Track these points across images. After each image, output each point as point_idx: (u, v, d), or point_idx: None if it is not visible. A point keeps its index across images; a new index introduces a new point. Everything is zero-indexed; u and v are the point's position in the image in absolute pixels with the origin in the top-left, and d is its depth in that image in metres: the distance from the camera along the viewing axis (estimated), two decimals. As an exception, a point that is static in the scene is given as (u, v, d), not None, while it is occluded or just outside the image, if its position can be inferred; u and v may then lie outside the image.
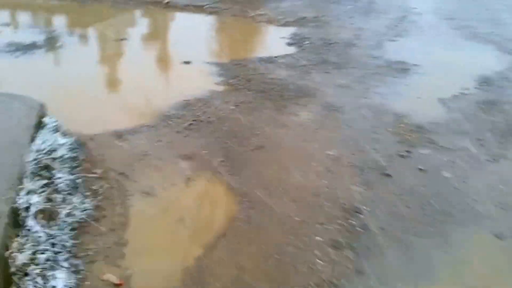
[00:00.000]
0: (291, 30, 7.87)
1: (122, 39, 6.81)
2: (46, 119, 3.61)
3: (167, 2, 9.04)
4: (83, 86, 5.13)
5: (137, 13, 8.79)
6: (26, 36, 6.66)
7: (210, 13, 8.85)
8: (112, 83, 5.33)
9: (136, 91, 5.11)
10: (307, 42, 7.16)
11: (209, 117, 4.50)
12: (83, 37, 6.93)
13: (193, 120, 4.42)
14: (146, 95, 4.98)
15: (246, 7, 9.16)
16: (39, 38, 6.59)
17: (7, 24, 7.12)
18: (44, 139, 3.28)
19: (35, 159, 2.98)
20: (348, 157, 3.86)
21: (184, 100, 4.85)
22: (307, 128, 4.38)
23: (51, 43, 6.38)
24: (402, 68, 6.12)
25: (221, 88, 5.29)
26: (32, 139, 3.26)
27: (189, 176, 3.53)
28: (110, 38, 6.85)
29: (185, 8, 9.03)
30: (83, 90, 5.04)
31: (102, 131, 4.12)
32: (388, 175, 3.64)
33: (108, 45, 6.60)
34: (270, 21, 8.40)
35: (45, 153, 3.10)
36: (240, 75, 5.69)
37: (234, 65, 6.09)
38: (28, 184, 2.72)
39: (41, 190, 2.80)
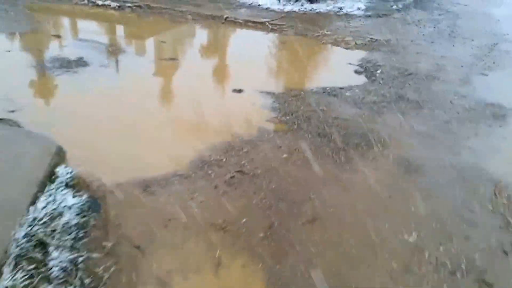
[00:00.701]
0: (360, 54, 6.94)
1: (172, 59, 6.24)
2: (59, 169, 2.99)
3: (226, 18, 8.44)
4: (117, 117, 4.54)
5: (194, 27, 8.26)
6: (75, 50, 6.27)
7: (271, 30, 8.13)
8: (150, 114, 4.68)
9: (176, 126, 4.44)
10: (379, 71, 6.19)
11: (255, 168, 3.71)
12: (132, 55, 6.43)
13: (236, 171, 3.65)
14: (186, 132, 4.31)
15: (311, 25, 8.34)
16: (87, 53, 6.16)
17: (58, 36, 6.78)
18: (49, 200, 2.65)
19: (27, 234, 2.34)
20: (433, 248, 2.89)
21: (228, 142, 4.11)
22: (376, 195, 3.45)
23: (96, 60, 5.92)
24: (497, 114, 4.99)
25: (273, 127, 4.50)
26: (35, 199, 2.64)
27: (220, 258, 2.75)
28: (160, 57, 6.30)
29: (244, 24, 8.39)
30: (115, 121, 4.45)
31: (128, 179, 3.46)
32: (488, 285, 2.64)
33: (157, 66, 6.04)
34: (336, 43, 7.52)
35: (43, 223, 2.46)
36: (297, 110, 4.87)
37: (292, 96, 5.27)
38: (6, 278, 2.07)
39: (23, 284, 2.13)
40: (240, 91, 5.35)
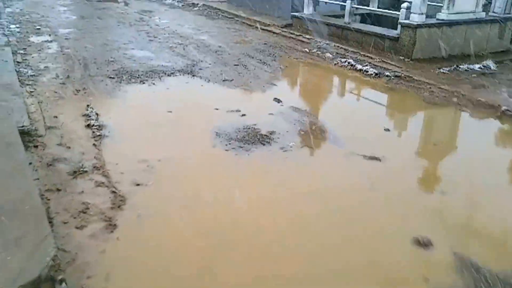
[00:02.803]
0: None
1: (374, 158, 4.68)
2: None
3: (504, 110, 5.97)
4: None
5: (449, 117, 6.21)
6: (279, 121, 5.43)
7: None
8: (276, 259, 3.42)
9: None
10: None
11: None
12: (329, 141, 5.09)
13: None
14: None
15: None
16: (288, 128, 5.21)
17: (279, 100, 6.27)
18: None
19: None
20: None
21: None
22: None
23: (284, 140, 4.97)
24: None
25: None
26: None
27: None
28: (365, 152, 4.79)
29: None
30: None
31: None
32: None
33: (348, 170, 4.52)
34: None
35: None
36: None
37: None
38: None
39: None
40: (426, 244, 3.39)
